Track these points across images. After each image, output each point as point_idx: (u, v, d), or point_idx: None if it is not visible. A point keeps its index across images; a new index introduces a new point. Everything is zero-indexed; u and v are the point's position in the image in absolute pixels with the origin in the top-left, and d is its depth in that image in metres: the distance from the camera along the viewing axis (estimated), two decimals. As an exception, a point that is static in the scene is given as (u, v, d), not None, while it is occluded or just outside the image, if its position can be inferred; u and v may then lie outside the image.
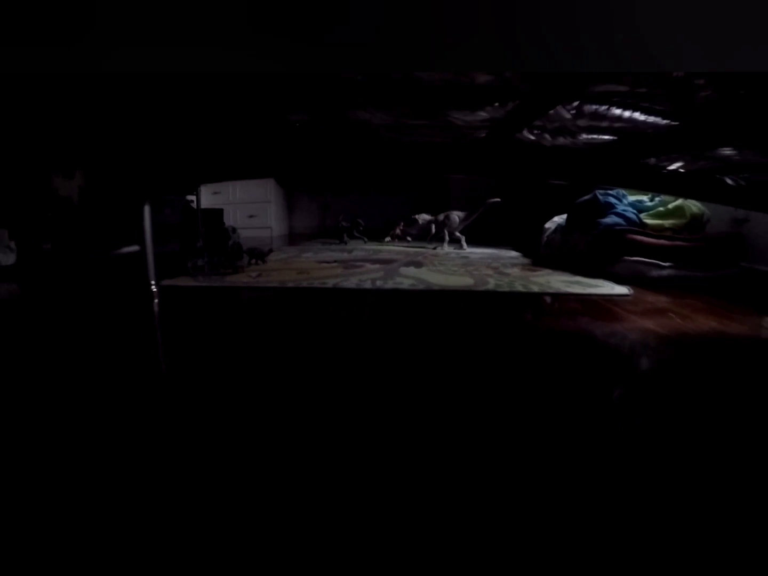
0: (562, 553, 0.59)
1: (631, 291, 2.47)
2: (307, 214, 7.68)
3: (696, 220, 3.15)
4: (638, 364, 1.41)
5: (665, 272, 2.86)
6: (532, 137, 1.46)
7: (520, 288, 2.37)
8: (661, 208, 3.25)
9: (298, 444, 0.87)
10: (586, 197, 3.38)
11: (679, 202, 3.16)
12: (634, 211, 3.23)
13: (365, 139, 1.61)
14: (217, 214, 4.23)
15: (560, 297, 2.30)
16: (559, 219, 3.85)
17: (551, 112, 1.20)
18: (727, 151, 1.48)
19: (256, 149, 1.81)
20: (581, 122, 1.29)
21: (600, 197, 3.27)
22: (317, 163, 1.83)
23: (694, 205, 3.13)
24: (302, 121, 1.45)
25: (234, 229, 3.35)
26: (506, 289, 2.36)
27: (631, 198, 3.43)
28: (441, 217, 4.90)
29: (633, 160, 1.64)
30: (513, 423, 0.98)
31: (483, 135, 1.48)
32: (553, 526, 0.65)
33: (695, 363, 1.42)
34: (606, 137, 1.47)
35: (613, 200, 3.28)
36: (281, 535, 0.62)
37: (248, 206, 6.94)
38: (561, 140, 1.46)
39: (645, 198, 3.41)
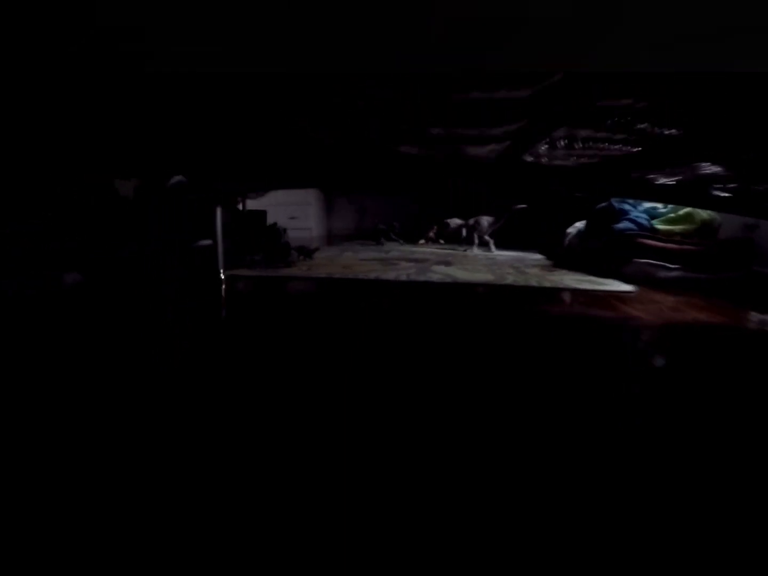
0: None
1: (636, 289, 2.79)
2: (345, 216, 8.10)
3: (706, 226, 3.39)
4: (619, 342, 1.77)
5: (673, 274, 3.15)
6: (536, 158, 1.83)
7: (533, 283, 2.74)
8: (672, 215, 3.51)
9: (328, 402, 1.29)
10: (603, 204, 3.68)
11: (689, 209, 3.42)
12: (647, 217, 3.50)
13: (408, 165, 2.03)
14: (261, 215, 4.72)
15: (568, 291, 2.65)
16: (580, 224, 4.15)
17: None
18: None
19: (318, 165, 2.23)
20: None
21: (615, 204, 3.56)
22: (365, 179, 2.24)
23: (704, 212, 3.39)
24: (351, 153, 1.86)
25: (285, 230, 3.81)
26: (521, 283, 2.73)
27: (647, 205, 3.70)
28: (471, 221, 5.27)
29: (623, 175, 1.99)
30: (510, 385, 1.37)
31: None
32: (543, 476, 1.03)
33: (668, 342, 1.77)
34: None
35: (627, 207, 3.56)
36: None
37: (289, 208, 7.43)
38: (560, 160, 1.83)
39: (659, 205, 3.67)
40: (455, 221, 5.57)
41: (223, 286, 2.60)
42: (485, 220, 5.13)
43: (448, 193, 6.06)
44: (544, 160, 1.91)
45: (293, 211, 7.60)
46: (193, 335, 1.75)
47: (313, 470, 0.86)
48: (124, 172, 2.15)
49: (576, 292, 2.64)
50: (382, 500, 0.78)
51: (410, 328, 1.83)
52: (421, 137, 1.71)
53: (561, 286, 2.73)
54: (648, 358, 1.56)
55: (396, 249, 5.13)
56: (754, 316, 2.30)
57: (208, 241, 2.72)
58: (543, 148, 1.80)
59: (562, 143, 1.70)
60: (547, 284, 2.74)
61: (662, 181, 2.13)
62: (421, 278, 2.83)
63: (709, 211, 3.40)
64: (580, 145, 1.71)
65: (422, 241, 5.92)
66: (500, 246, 5.17)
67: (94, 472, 0.83)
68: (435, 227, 5.85)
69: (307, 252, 3.68)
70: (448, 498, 0.78)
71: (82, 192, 2.02)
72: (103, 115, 1.29)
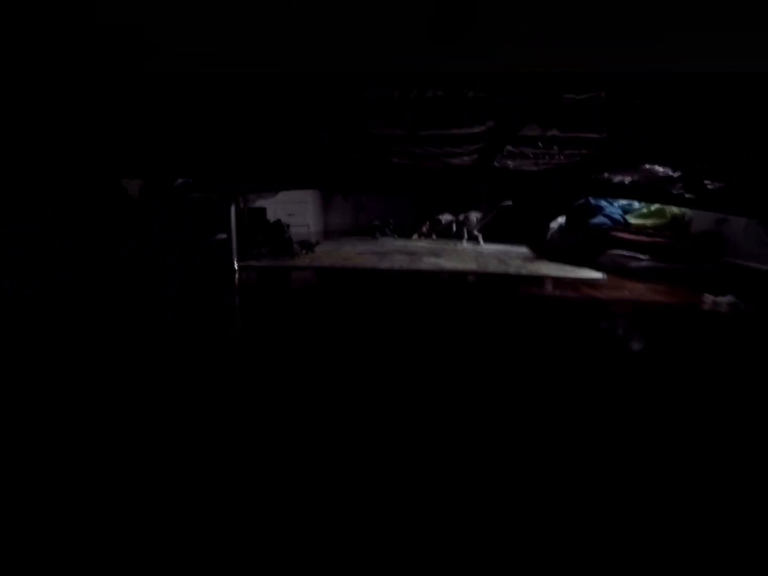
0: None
1: (605, 276, 3.10)
2: (342, 213, 8.34)
3: (677, 220, 3.69)
4: (574, 314, 2.09)
5: (643, 264, 3.45)
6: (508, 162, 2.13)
7: (512, 272, 3.05)
8: (644, 210, 3.82)
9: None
10: (581, 201, 3.99)
11: (660, 204, 3.73)
12: (620, 213, 3.82)
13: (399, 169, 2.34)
14: (261, 212, 5.00)
15: (541, 277, 2.96)
16: (562, 219, 4.45)
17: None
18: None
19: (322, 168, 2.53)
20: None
21: (591, 201, 3.87)
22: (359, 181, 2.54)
23: (674, 207, 3.69)
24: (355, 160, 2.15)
25: (288, 226, 4.11)
26: (501, 271, 3.04)
27: (623, 202, 4.00)
28: (461, 217, 5.58)
29: (586, 176, 2.30)
30: (480, 350, 1.68)
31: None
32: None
33: (620, 317, 2.08)
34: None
35: (603, 203, 3.87)
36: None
37: (288, 205, 7.68)
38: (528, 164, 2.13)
39: (635, 201, 3.98)
40: (446, 217, 5.88)
41: (237, 275, 2.92)
42: (474, 216, 5.44)
43: (447, 191, 6.37)
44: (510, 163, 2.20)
45: (291, 208, 7.84)
46: (192, 335, 1.79)
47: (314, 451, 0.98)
48: (124, 172, 2.16)
49: (547, 279, 2.95)
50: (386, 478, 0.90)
51: (401, 306, 2.15)
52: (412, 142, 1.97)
53: (536, 273, 3.04)
54: (598, 330, 1.87)
55: (391, 243, 5.43)
56: (707, 298, 2.60)
57: (223, 236, 3.02)
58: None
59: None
60: (524, 272, 3.05)
61: (619, 179, 2.44)
62: (413, 267, 3.14)
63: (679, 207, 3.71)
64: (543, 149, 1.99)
65: (416, 236, 6.22)
66: (490, 240, 5.47)
67: (94, 471, 0.84)
68: (428, 223, 6.16)
69: (308, 246, 3.99)
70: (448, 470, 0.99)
71: (82, 192, 2.04)
72: (103, 116, 1.30)
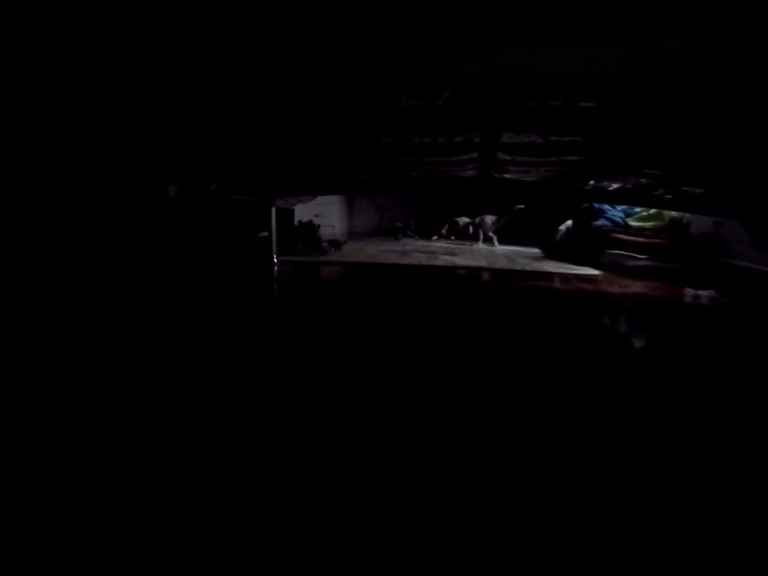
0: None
1: (602, 273, 3.46)
2: (365, 215, 8.72)
3: (675, 223, 4.00)
4: (562, 300, 2.48)
5: (641, 263, 3.78)
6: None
7: (516, 268, 3.45)
8: (644, 213, 4.14)
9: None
10: (585, 205, 4.33)
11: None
12: (622, 216, 4.15)
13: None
14: (289, 213, 5.45)
15: (542, 273, 3.36)
16: (570, 222, 4.80)
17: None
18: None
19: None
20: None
21: (595, 205, 4.21)
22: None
23: (673, 211, 4.00)
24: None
25: (319, 226, 4.59)
26: (507, 268, 3.44)
27: (625, 205, 4.33)
28: (477, 220, 5.98)
29: (573, 184, 2.69)
30: (479, 329, 2.09)
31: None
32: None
33: (604, 305, 2.47)
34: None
35: (606, 207, 4.20)
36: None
37: (315, 207, 8.14)
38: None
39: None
40: (463, 219, 6.30)
41: (276, 268, 3.40)
42: (489, 219, 5.84)
43: (448, 193, 6.74)
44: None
45: (318, 210, 8.28)
46: (193, 335, 1.81)
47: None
48: (126, 172, 2.16)
49: (547, 274, 3.35)
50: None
51: (418, 295, 2.58)
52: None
53: (538, 270, 3.44)
54: (581, 315, 2.26)
55: (411, 244, 5.86)
56: (689, 292, 2.93)
57: (265, 233, 3.49)
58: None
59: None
60: (527, 269, 3.44)
61: (613, 186, 2.82)
62: (429, 264, 3.58)
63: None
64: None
65: (435, 237, 6.65)
66: (505, 242, 5.85)
67: (94, 470, 0.84)
68: (447, 225, 6.59)
69: (337, 244, 4.48)
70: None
71: (82, 192, 2.01)
72: (103, 116, 1.30)
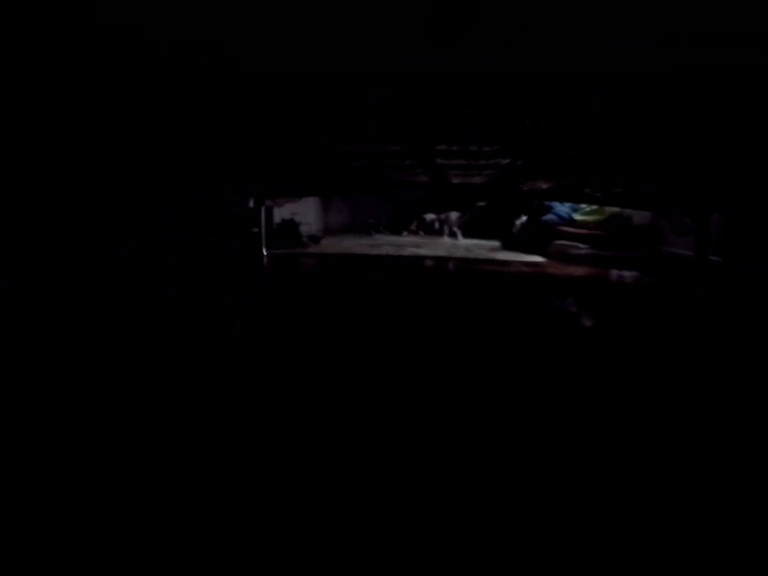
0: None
1: (546, 260, 3.99)
2: (340, 212, 9.02)
3: (615, 217, 4.50)
4: (504, 279, 2.98)
5: (582, 252, 4.30)
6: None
7: (471, 257, 3.97)
8: (588, 208, 4.66)
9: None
10: (536, 202, 4.87)
11: (599, 204, 4.61)
12: (568, 211, 4.66)
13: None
14: (270, 211, 5.85)
15: (492, 260, 3.84)
16: (525, 217, 5.36)
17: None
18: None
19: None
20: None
21: (545, 201, 4.76)
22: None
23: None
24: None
25: (299, 224, 5.05)
26: (463, 256, 3.96)
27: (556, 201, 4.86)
28: (443, 216, 6.52)
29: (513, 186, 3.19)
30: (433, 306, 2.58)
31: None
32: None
33: (534, 283, 2.98)
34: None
35: (555, 203, 4.75)
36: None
37: (291, 206, 8.52)
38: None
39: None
40: (430, 216, 6.82)
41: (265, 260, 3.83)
42: (453, 215, 6.37)
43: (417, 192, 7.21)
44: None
45: (294, 208, 8.62)
46: (193, 335, 1.80)
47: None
48: (126, 172, 2.16)
49: (496, 261, 3.86)
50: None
51: (386, 278, 3.04)
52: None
53: (490, 258, 3.96)
54: (514, 291, 2.76)
55: (383, 239, 6.34)
56: (614, 273, 3.37)
57: (256, 230, 3.90)
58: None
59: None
60: (481, 257, 3.96)
61: (543, 185, 3.33)
62: (397, 254, 4.08)
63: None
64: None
65: (405, 233, 7.14)
66: (469, 236, 6.36)
67: (94, 470, 0.84)
68: (416, 221, 7.10)
69: (315, 239, 4.96)
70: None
71: (82, 192, 1.99)
72: (103, 116, 1.28)
